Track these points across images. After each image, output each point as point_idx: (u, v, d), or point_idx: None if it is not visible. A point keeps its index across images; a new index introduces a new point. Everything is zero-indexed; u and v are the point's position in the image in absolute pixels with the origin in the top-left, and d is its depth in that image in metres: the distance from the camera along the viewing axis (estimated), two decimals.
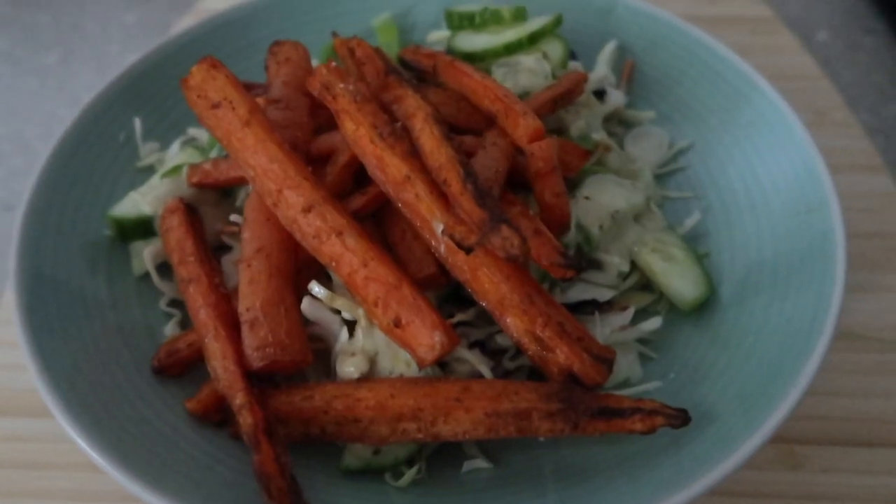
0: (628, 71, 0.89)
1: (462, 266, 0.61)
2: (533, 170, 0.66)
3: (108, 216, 0.73)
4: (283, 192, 0.63)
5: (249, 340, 0.60)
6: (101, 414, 0.58)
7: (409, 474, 0.59)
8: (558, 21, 0.83)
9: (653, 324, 0.68)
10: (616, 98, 0.84)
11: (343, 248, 0.62)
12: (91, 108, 0.77)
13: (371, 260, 0.61)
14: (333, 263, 0.62)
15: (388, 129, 0.65)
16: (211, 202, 0.75)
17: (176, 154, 0.80)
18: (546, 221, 0.66)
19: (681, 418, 0.55)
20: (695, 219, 0.77)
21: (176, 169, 0.75)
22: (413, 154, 0.64)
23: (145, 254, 0.71)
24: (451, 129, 0.73)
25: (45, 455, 0.70)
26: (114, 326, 0.67)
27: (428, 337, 0.58)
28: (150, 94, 0.82)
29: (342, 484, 0.59)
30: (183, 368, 0.65)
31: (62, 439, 0.70)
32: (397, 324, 0.59)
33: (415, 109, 0.67)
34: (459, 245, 0.58)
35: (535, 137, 0.65)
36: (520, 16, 0.85)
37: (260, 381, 0.60)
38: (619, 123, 0.87)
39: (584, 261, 0.69)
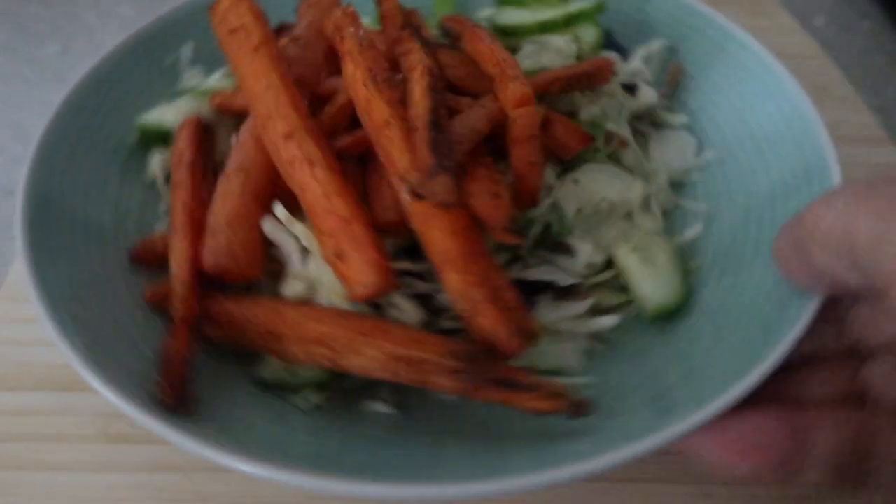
0: (674, 74, 0.85)
1: (418, 215, 0.62)
2: (512, 135, 0.65)
3: (137, 123, 0.80)
4: (271, 118, 0.66)
5: (207, 244, 0.64)
6: (98, 338, 0.57)
7: (313, 398, 0.60)
8: (600, 7, 0.81)
9: (607, 321, 0.64)
10: (648, 95, 0.80)
11: (311, 178, 0.64)
12: (142, 32, 0.81)
13: (333, 193, 0.63)
14: (301, 191, 0.64)
15: (383, 76, 0.66)
16: (228, 126, 0.80)
17: (215, 81, 0.86)
18: (518, 191, 0.65)
19: (580, 409, 0.52)
20: (696, 230, 0.72)
21: (206, 91, 0.81)
22: (400, 102, 0.65)
23: (154, 159, 0.76)
24: (459, 92, 0.74)
25: (51, 427, 0.70)
26: (114, 255, 0.68)
27: (364, 274, 0.59)
28: (205, 25, 0.88)
29: (251, 394, 0.61)
30: (156, 260, 0.69)
31: (68, 412, 0.71)
32: (339, 256, 0.60)
33: (416, 63, 0.68)
34: (412, 191, 0.59)
35: (521, 103, 0.64)
36: None
37: (211, 285, 0.64)
38: (651, 123, 0.83)
39: (548, 240, 0.67)
